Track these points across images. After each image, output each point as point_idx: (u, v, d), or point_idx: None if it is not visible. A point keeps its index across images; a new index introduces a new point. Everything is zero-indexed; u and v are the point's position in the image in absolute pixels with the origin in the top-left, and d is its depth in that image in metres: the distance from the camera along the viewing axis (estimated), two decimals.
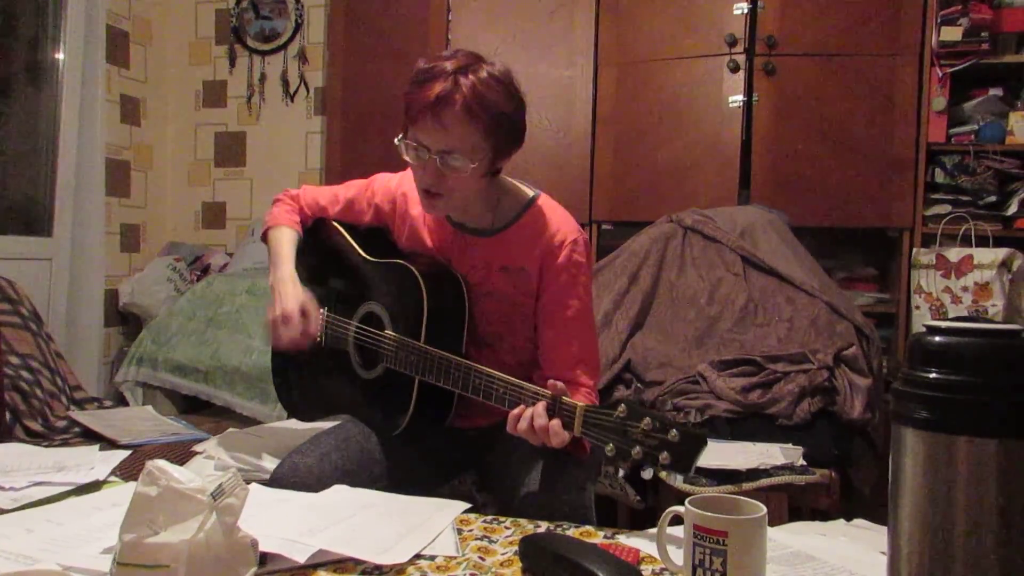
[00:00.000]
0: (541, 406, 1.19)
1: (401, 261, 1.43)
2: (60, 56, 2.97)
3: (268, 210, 1.62)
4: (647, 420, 1.09)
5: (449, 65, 1.26)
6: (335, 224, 1.57)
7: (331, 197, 1.59)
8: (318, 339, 1.49)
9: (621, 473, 1.12)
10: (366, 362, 1.48)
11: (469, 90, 1.25)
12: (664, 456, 1.06)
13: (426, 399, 1.37)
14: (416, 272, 1.38)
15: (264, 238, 1.59)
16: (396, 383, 1.39)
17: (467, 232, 1.43)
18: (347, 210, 1.57)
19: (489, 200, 1.41)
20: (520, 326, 1.43)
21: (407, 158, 1.33)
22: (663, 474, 1.04)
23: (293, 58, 3.45)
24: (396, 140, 1.34)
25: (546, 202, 1.44)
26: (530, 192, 1.44)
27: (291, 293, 1.43)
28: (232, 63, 3.52)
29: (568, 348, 1.39)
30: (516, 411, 1.22)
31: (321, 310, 1.48)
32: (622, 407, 1.11)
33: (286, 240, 1.53)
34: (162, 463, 0.88)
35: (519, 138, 1.36)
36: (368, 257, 1.50)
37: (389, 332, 1.41)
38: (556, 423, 1.17)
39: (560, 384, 1.20)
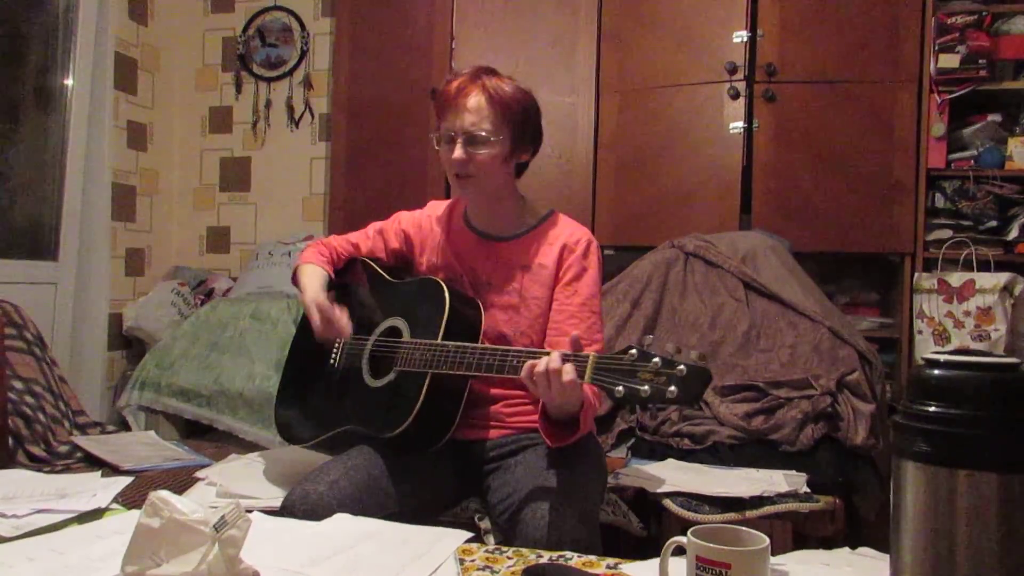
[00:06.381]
0: (556, 354, 1.25)
1: (425, 275, 1.61)
2: (69, 82, 3.00)
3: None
4: (655, 360, 1.13)
5: (470, 70, 1.53)
6: (363, 260, 1.71)
7: (361, 235, 1.74)
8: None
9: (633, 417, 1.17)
10: (376, 371, 1.54)
11: (490, 84, 1.50)
12: (671, 391, 1.10)
13: (434, 399, 1.41)
14: (440, 281, 1.53)
15: (294, 279, 1.70)
16: (405, 385, 1.44)
17: (491, 239, 1.60)
18: (378, 240, 1.72)
19: (514, 207, 1.60)
20: (536, 321, 1.55)
21: (438, 148, 1.53)
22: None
23: (298, 85, 3.49)
24: (430, 134, 1.56)
25: (561, 216, 1.63)
26: (546, 209, 1.63)
27: (316, 295, 1.57)
28: (238, 90, 3.56)
29: (571, 331, 1.43)
30: (531, 361, 1.26)
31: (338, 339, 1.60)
32: (632, 351, 1.16)
33: (308, 271, 1.65)
34: (165, 494, 0.88)
35: (535, 135, 1.57)
36: (392, 280, 1.64)
37: (406, 338, 1.49)
38: (569, 367, 1.22)
39: (575, 334, 1.27)
